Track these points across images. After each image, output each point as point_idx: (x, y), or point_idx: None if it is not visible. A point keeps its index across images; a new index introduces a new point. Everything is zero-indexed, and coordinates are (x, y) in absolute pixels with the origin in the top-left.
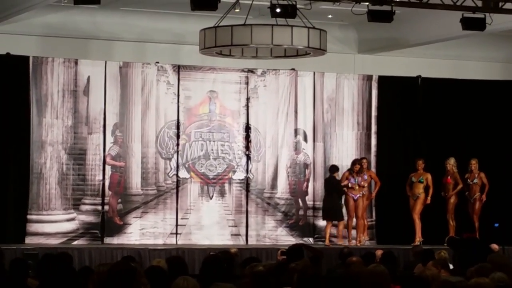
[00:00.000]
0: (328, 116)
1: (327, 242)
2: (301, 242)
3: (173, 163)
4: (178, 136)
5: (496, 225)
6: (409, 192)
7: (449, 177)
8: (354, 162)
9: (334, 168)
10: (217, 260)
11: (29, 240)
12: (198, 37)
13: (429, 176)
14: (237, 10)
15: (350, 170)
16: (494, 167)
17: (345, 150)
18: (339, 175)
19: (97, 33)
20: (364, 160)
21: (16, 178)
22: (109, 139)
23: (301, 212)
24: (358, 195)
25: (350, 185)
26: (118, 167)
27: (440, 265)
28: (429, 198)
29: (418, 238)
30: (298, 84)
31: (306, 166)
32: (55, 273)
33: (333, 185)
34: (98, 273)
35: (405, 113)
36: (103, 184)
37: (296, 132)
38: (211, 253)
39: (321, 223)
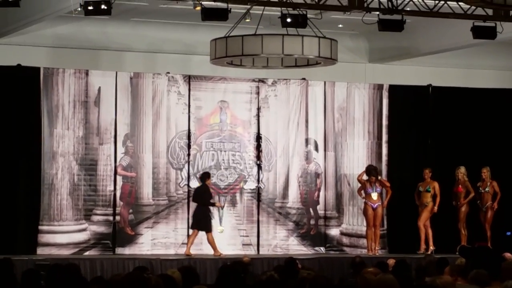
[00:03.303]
0: (339, 125)
1: (188, 251)
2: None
3: (184, 173)
4: (189, 146)
5: (508, 233)
6: (418, 202)
7: (460, 186)
8: (370, 173)
9: (205, 175)
10: (233, 269)
11: (40, 251)
12: (208, 47)
13: (436, 185)
14: (247, 20)
15: (368, 179)
16: (505, 175)
17: (356, 159)
18: (210, 182)
19: (107, 44)
20: (373, 178)
21: (28, 189)
22: (120, 149)
23: (312, 222)
24: (377, 204)
25: (367, 193)
26: (129, 178)
27: (456, 272)
28: (436, 207)
29: (425, 246)
30: (308, 93)
31: (317, 175)
32: (66, 284)
33: (202, 193)
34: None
35: (416, 122)
36: (114, 195)
37: (307, 141)
38: (228, 263)
39: (333, 232)
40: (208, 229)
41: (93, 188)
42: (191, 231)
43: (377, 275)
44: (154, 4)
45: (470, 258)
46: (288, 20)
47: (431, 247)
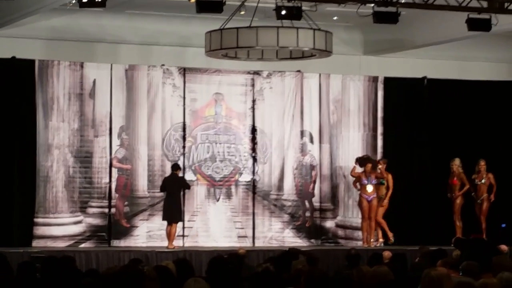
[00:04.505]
0: (334, 117)
1: (170, 245)
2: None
3: (180, 165)
4: (184, 139)
5: (503, 225)
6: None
7: (455, 178)
8: (363, 163)
9: (176, 166)
10: (223, 261)
11: (36, 243)
12: (203, 40)
13: (390, 177)
14: (242, 13)
15: (364, 171)
16: (500, 167)
17: (351, 151)
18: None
19: (102, 36)
20: (369, 165)
21: (23, 182)
22: (116, 142)
23: (307, 214)
24: (372, 196)
25: (362, 185)
26: (125, 170)
27: (449, 265)
28: (386, 200)
29: (382, 239)
30: (304, 85)
31: (312, 167)
32: (61, 276)
33: (176, 183)
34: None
35: (411, 114)
36: (110, 187)
37: (302, 133)
38: (224, 255)
39: (328, 224)
40: (180, 219)
41: (89, 181)
42: (164, 224)
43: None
44: None
45: (465, 250)
46: (283, 12)
47: (380, 239)
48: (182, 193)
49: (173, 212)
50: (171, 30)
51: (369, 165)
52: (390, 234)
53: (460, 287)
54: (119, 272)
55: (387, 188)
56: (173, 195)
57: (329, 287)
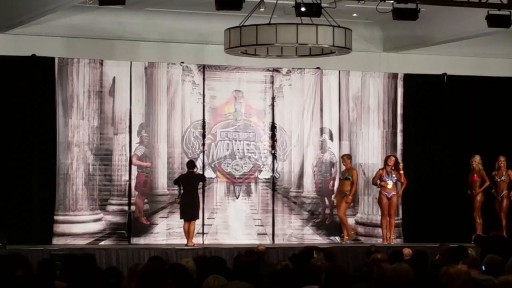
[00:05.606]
0: (354, 114)
1: (190, 242)
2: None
3: (199, 163)
4: (204, 136)
5: None
6: (338, 189)
7: (475, 175)
8: (387, 157)
9: (191, 164)
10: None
11: (56, 241)
12: (223, 37)
13: (355, 173)
14: (261, 10)
15: (384, 167)
16: None
17: (371, 148)
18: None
19: (122, 34)
20: (392, 158)
21: (43, 179)
22: (135, 139)
23: (327, 211)
24: (392, 193)
25: (383, 183)
26: (144, 167)
27: (469, 264)
28: (350, 197)
29: (347, 237)
30: (323, 82)
31: (332, 165)
32: (81, 274)
33: (192, 181)
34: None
35: (431, 111)
36: (130, 185)
37: (321, 131)
38: (242, 252)
39: (348, 221)
40: (198, 216)
41: (108, 178)
42: (182, 222)
43: (385, 261)
44: None
45: (485, 248)
46: (303, 9)
47: (346, 237)
48: (201, 190)
49: (191, 210)
50: (191, 27)
51: (393, 158)
52: (347, 234)
53: (473, 284)
54: (145, 271)
55: (352, 184)
56: (190, 193)
57: (349, 284)
